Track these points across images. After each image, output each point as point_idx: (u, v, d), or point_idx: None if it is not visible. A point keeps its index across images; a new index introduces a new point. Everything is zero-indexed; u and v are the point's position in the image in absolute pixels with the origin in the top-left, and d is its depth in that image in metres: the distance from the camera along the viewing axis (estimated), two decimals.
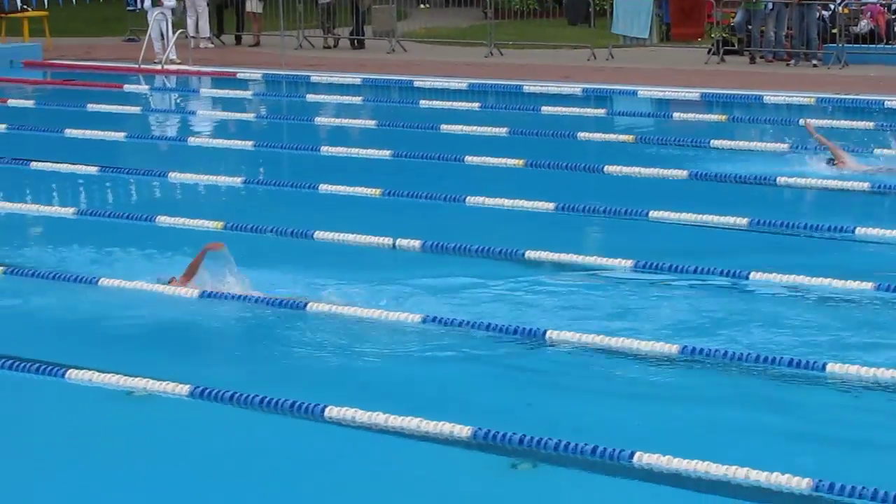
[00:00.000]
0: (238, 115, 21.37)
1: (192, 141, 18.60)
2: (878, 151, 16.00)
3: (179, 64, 26.01)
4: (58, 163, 16.67)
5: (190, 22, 28.42)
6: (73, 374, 9.33)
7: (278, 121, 21.06)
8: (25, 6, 29.43)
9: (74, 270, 11.59)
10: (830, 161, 15.54)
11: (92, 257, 12.17)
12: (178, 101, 24.15)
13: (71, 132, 18.94)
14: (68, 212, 14.40)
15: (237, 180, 15.94)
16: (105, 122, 19.75)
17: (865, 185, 14.65)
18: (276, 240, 13.06)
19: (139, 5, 29.04)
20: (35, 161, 16.82)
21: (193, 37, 28.18)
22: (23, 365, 9.51)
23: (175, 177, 16.06)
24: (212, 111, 21.85)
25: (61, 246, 12.51)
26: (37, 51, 27.44)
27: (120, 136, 18.89)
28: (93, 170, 16.51)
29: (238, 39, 29.97)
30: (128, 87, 23.97)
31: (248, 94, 23.31)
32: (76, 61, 26.87)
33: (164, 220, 13.68)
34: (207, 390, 8.95)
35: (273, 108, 22.41)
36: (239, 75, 24.75)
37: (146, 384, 9.11)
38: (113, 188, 16.11)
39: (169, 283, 11.20)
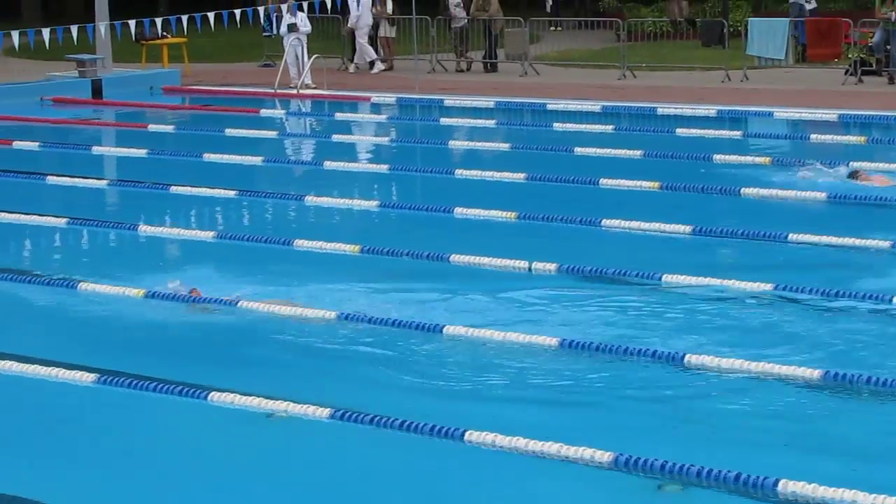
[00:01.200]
0: (372, 139, 21.53)
1: (327, 165, 18.76)
2: None
3: (315, 88, 26.28)
4: (196, 187, 16.92)
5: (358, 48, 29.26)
6: (215, 397, 9.45)
7: (412, 144, 21.15)
8: (165, 33, 29.97)
9: (214, 294, 11.73)
10: (852, 175, 15.78)
11: (230, 280, 12.32)
12: (314, 125, 24.40)
13: (209, 156, 19.21)
14: (207, 235, 14.61)
15: (372, 204, 16.05)
16: (242, 146, 20.02)
17: None
18: (411, 263, 13.11)
19: (275, 31, 29.47)
20: (174, 185, 17.08)
21: (357, 63, 29.22)
22: (167, 387, 9.66)
23: (311, 200, 16.22)
24: (347, 135, 22.03)
25: (200, 269, 12.68)
26: (176, 77, 27.96)
27: (257, 160, 19.13)
28: (231, 194, 16.74)
29: (371, 64, 30.22)
30: (264, 112, 24.28)
31: (382, 117, 23.48)
32: (214, 86, 27.31)
33: (301, 243, 13.81)
34: (348, 413, 9.01)
35: (407, 132, 22.52)
36: (373, 99, 24.95)
37: (286, 406, 9.19)
38: (250, 212, 16.32)
39: (190, 293, 11.60)
